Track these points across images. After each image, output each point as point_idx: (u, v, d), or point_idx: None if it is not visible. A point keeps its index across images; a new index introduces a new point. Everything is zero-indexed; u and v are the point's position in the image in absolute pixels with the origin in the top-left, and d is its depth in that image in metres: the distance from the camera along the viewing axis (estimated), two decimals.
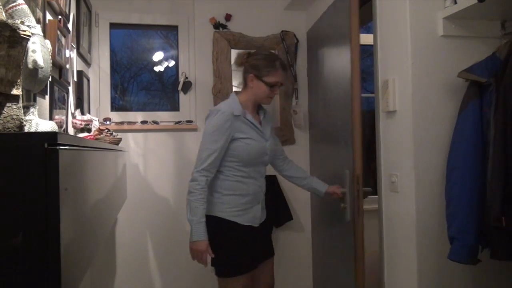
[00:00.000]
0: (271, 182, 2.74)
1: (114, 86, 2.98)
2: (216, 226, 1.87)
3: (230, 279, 1.88)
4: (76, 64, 2.37)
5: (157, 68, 3.08)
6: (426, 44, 1.83)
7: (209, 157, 1.82)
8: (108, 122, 2.75)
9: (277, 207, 2.88)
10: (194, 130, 2.89)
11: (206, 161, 1.82)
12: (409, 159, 1.84)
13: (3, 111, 0.93)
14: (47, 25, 1.68)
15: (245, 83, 1.99)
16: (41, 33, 1.28)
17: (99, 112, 2.80)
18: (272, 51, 2.84)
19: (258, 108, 2.05)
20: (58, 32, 1.75)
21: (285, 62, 2.44)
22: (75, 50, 2.31)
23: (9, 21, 0.92)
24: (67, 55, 1.98)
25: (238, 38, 2.93)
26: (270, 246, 2.13)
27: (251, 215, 1.93)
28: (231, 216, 1.88)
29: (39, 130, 1.11)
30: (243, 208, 1.90)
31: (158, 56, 3.06)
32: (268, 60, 1.94)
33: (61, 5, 1.90)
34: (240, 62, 2.00)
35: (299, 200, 3.01)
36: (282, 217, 2.94)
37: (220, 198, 1.90)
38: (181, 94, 2.95)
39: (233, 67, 1.99)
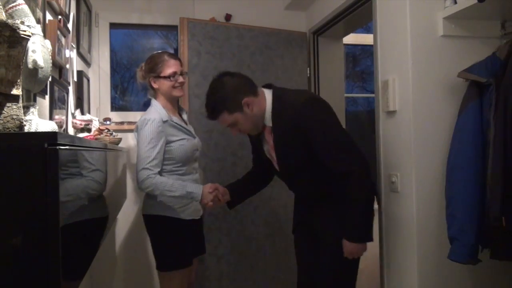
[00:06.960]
0: None
1: (114, 86, 2.98)
2: (161, 224, 1.94)
3: (174, 272, 1.93)
4: (76, 64, 2.36)
5: None
6: (426, 44, 1.83)
7: (153, 159, 1.84)
8: (108, 122, 2.75)
9: None
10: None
11: (147, 160, 1.84)
12: (409, 159, 1.84)
13: (3, 111, 0.93)
14: (47, 25, 1.68)
15: (153, 90, 2.03)
16: (41, 33, 1.28)
17: (99, 112, 2.80)
18: None
19: (179, 109, 2.12)
20: (58, 32, 1.75)
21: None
22: (75, 50, 2.31)
23: (9, 21, 0.92)
24: (67, 55, 1.98)
25: None
26: (204, 242, 2.19)
27: (192, 209, 1.99)
28: (175, 213, 1.94)
29: (39, 130, 1.11)
30: (184, 204, 1.95)
31: None
32: (155, 58, 2.00)
33: (61, 5, 1.90)
34: (142, 75, 2.04)
35: None
36: None
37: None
38: None
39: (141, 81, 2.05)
